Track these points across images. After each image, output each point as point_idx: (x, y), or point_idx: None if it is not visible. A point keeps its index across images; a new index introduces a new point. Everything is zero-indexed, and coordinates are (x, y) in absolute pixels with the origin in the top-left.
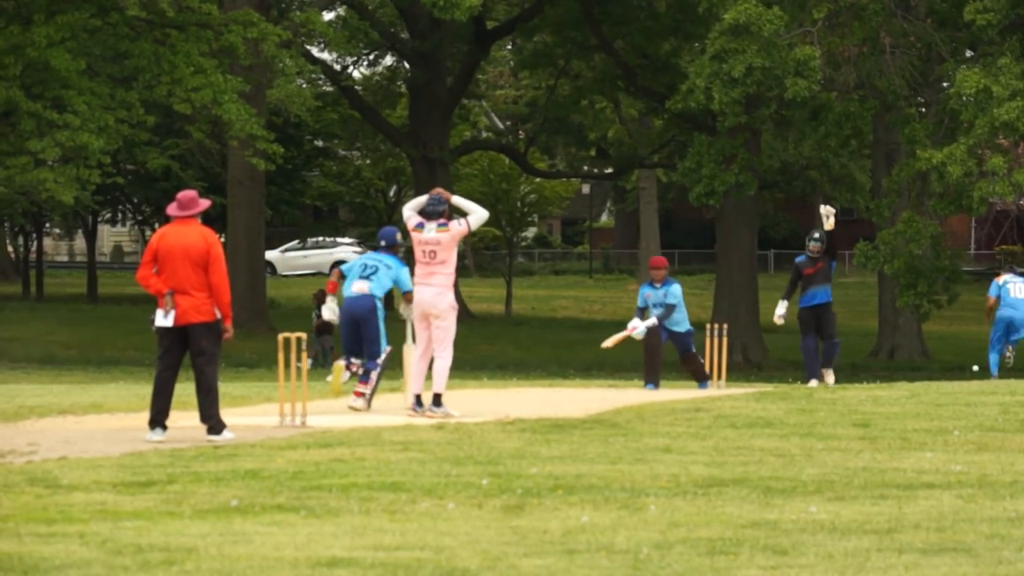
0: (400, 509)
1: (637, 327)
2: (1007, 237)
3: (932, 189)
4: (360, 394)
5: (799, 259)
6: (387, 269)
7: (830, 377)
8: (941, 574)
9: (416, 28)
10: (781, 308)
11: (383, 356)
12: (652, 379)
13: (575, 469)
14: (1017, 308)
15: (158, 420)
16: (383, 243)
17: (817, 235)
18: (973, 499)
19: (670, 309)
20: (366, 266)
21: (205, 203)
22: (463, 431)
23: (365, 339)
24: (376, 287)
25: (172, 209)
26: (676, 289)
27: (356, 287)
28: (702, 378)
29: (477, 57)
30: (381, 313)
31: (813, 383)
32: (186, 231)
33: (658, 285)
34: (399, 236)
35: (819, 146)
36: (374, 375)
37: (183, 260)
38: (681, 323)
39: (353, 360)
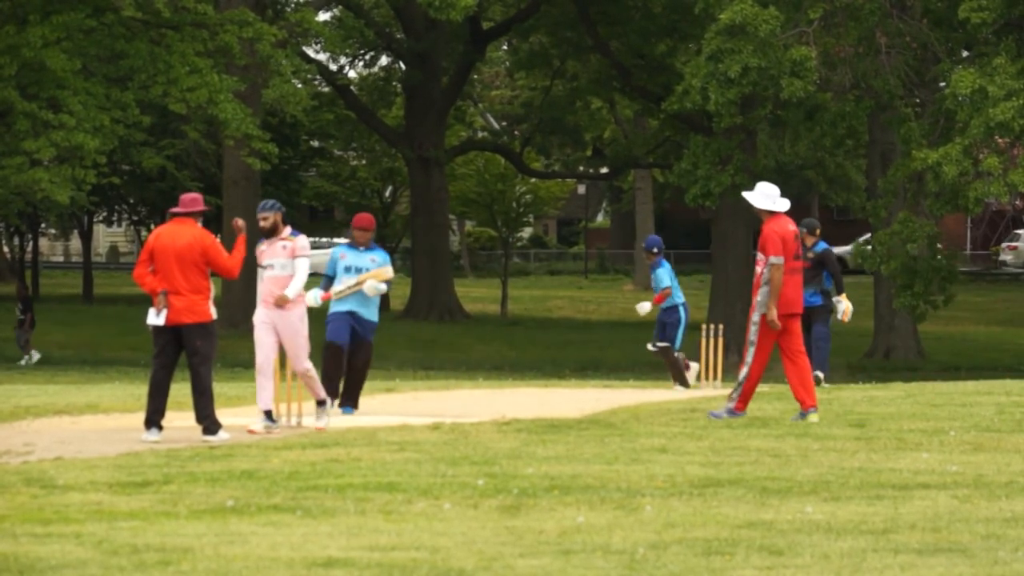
0: (396, 509)
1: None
2: (1003, 237)
3: (928, 189)
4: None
5: None
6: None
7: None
8: (937, 574)
9: (412, 28)
10: (842, 304)
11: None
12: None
13: (571, 469)
14: None
15: (154, 420)
16: (656, 250)
17: (807, 223)
18: (969, 499)
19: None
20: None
21: (205, 207)
22: (459, 431)
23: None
24: (678, 295)
25: (174, 208)
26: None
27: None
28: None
29: (473, 57)
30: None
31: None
32: (180, 231)
33: (362, 249)
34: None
35: (814, 146)
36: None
37: (175, 261)
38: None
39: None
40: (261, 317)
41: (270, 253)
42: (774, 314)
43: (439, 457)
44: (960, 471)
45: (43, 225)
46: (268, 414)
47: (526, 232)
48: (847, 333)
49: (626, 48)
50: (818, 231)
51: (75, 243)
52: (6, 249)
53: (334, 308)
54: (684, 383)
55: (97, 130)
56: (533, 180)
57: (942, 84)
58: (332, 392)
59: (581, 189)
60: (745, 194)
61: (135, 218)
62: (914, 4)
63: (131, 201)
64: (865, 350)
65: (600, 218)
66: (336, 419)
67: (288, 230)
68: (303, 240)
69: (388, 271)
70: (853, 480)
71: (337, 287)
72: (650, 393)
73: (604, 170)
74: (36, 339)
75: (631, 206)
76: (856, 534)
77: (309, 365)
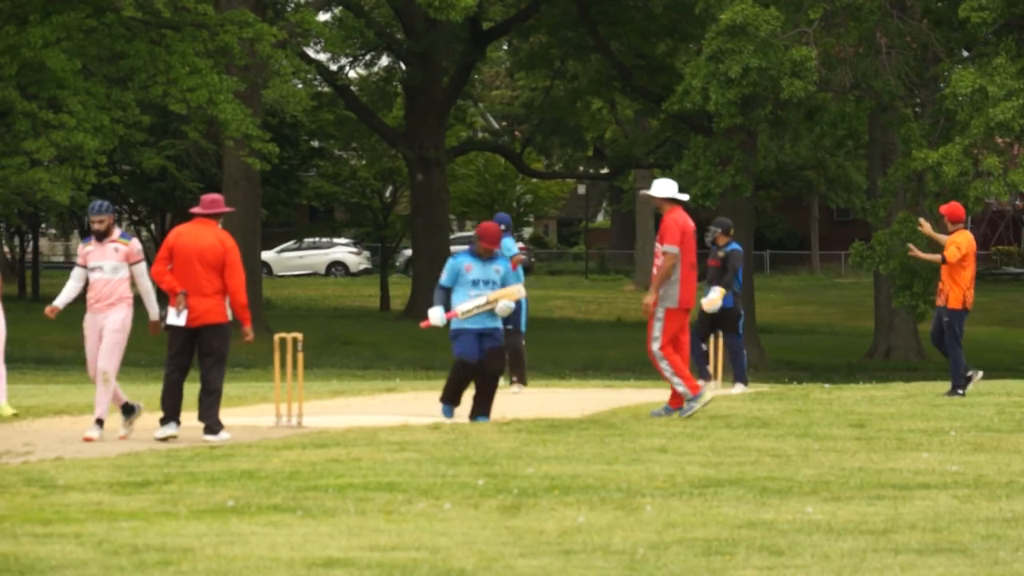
0: (396, 509)
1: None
2: (1003, 237)
3: (928, 189)
4: None
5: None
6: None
7: (737, 388)
8: (937, 574)
9: (412, 28)
10: (714, 293)
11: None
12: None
13: (571, 469)
14: None
15: (171, 416)
16: (503, 227)
17: (719, 222)
18: (969, 499)
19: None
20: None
21: (227, 208)
22: (459, 431)
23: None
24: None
25: (195, 208)
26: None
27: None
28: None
29: (473, 58)
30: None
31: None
32: (202, 232)
33: (486, 260)
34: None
35: (815, 146)
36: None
37: (197, 262)
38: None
39: None
40: (89, 323)
41: (99, 255)
42: (651, 298)
43: (439, 457)
44: (960, 471)
45: (43, 225)
46: (100, 423)
47: (526, 232)
48: (847, 333)
49: (627, 48)
50: (731, 231)
51: (75, 243)
52: (6, 249)
53: (458, 325)
54: (523, 380)
55: (97, 130)
56: (533, 180)
57: (942, 84)
58: (454, 399)
59: (581, 189)
60: (643, 192)
61: (135, 218)
62: (914, 4)
63: (131, 201)
64: (865, 350)
65: (600, 218)
66: (335, 420)
67: (118, 232)
68: (137, 244)
69: (519, 290)
70: (853, 480)
71: (466, 305)
72: (650, 393)
73: (604, 170)
74: (34, 339)
75: (631, 206)
76: (856, 534)
77: (111, 368)
